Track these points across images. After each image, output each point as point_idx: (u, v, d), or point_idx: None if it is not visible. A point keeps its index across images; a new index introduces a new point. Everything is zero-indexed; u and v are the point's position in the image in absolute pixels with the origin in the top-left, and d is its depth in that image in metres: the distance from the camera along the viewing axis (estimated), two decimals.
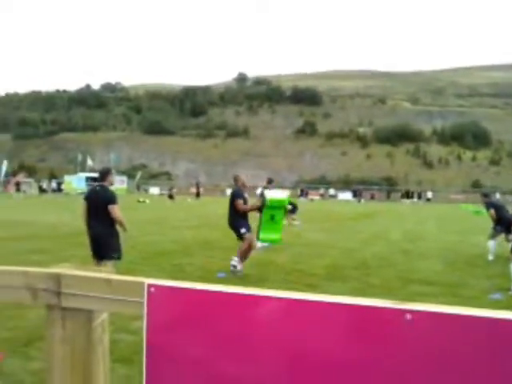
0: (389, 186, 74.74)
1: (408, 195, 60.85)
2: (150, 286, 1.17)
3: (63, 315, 1.33)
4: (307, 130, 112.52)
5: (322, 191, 68.10)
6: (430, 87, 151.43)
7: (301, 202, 50.27)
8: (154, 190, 66.18)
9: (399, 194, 63.94)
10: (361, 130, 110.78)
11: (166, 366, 1.20)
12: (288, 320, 1.10)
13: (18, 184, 46.69)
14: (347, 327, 1.04)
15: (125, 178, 64.65)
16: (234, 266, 8.60)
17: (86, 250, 10.52)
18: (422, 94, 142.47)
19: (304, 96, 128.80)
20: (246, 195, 9.12)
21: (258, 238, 9.49)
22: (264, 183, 13.77)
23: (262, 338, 1.14)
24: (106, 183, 6.77)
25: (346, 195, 65.07)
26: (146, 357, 1.21)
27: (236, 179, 9.37)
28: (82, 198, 7.04)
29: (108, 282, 1.24)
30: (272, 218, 9.26)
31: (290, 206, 15.74)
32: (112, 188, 7.01)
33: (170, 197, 38.81)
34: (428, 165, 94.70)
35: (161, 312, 1.18)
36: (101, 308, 1.31)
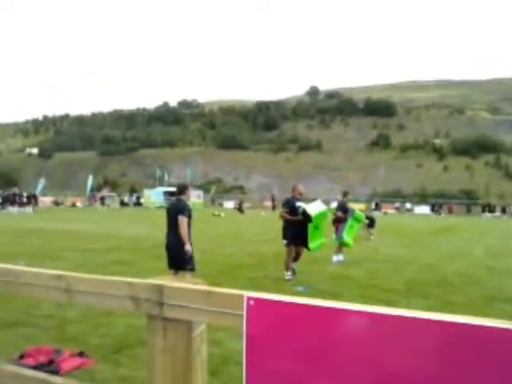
0: (468, 200, 71.29)
1: (490, 209, 57.63)
2: (249, 298, 1.21)
3: (165, 325, 1.39)
4: (381, 143, 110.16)
5: (397, 205, 66.15)
6: (511, 95, 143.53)
7: (375, 215, 49.21)
8: (229, 204, 67.29)
9: (479, 208, 60.78)
10: (437, 141, 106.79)
11: (265, 379, 1.22)
12: (380, 335, 1.10)
13: (102, 198, 49.24)
14: (438, 344, 1.02)
15: (200, 193, 66.29)
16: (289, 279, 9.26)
17: (162, 261, 10.92)
18: (503, 102, 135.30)
19: (377, 108, 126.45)
20: (299, 204, 9.70)
21: (308, 249, 9.95)
22: (339, 196, 13.82)
23: (353, 352, 1.14)
24: (183, 197, 7.13)
25: (423, 209, 62.72)
26: (246, 369, 1.23)
27: (293, 189, 10.06)
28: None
29: (208, 294, 1.28)
30: (316, 227, 9.94)
31: (367, 220, 15.73)
32: (188, 202, 7.29)
33: (240, 210, 39.29)
34: (510, 177, 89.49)
35: (260, 325, 1.20)
36: (200, 319, 1.36)
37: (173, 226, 6.88)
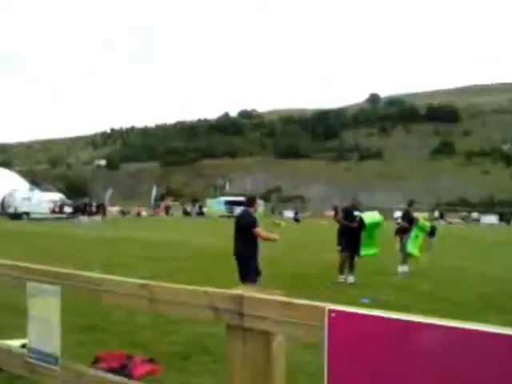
0: None
1: None
2: (331, 311, 1.22)
3: (244, 335, 1.43)
4: (445, 150, 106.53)
5: (463, 214, 63.64)
6: None
7: (437, 225, 47.51)
8: (289, 213, 67.21)
9: None
10: (505, 147, 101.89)
11: None
12: (466, 351, 1.08)
13: (167, 207, 50.61)
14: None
15: (261, 202, 66.69)
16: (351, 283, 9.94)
17: (227, 271, 11.08)
18: None
19: (440, 114, 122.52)
20: (357, 213, 10.59)
21: (359, 255, 10.50)
22: (403, 205, 13.57)
23: (437, 368, 1.12)
24: (251, 209, 7.27)
25: (490, 218, 59.91)
26: (328, 382, 1.24)
27: (352, 198, 11.20)
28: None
29: (288, 305, 1.31)
30: (370, 236, 10.41)
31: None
32: (255, 213, 7.43)
33: (296, 220, 39.21)
34: None
35: (341, 337, 1.21)
36: (280, 330, 1.38)
37: (241, 236, 7.01)
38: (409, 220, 12.30)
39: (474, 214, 63.84)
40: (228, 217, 54.09)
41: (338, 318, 1.21)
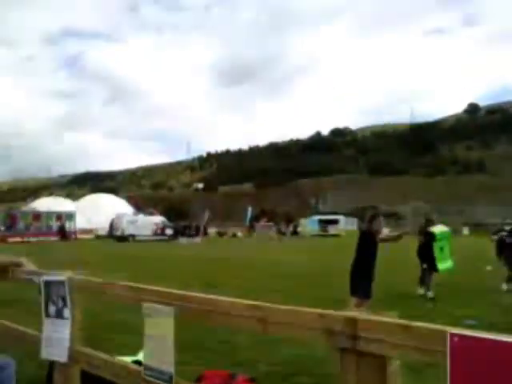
0: None
1: None
2: (452, 335, 1.17)
3: (358, 359, 1.41)
4: None
5: None
6: None
7: None
8: (385, 231, 65.19)
9: None
10: None
11: None
12: None
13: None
14: None
15: (355, 220, 65.43)
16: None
17: (320, 291, 10.95)
18: None
19: None
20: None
21: (436, 271, 10.63)
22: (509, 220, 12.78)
23: None
24: (373, 225, 7.40)
25: None
26: None
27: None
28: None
29: (406, 328, 1.27)
30: (441, 249, 10.57)
31: None
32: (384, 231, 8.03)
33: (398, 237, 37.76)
34: None
35: (465, 363, 1.16)
36: (397, 355, 1.34)
37: (359, 253, 7.22)
38: None
39: None
40: (321, 236, 53.72)
41: (461, 343, 1.16)
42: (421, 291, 10.79)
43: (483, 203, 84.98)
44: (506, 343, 1.14)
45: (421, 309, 8.99)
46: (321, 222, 61.18)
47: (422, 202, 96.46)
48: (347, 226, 59.61)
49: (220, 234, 55.89)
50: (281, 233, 58.40)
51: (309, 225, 60.29)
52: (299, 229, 60.48)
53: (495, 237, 16.57)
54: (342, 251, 27.75)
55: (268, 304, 1.68)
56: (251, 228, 61.14)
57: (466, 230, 57.69)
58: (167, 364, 2.15)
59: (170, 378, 2.14)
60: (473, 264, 15.65)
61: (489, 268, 14.80)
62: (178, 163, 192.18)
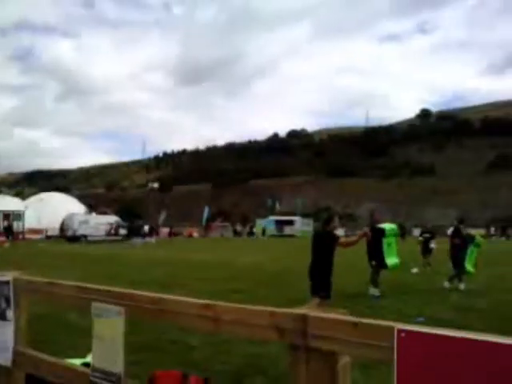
0: None
1: None
2: (399, 331, 1.19)
3: (308, 356, 1.41)
4: (501, 164, 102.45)
5: None
6: None
7: (494, 242, 45.61)
8: (339, 232, 66.35)
9: None
10: None
11: None
12: None
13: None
14: None
15: (311, 221, 66.23)
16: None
17: (278, 290, 11.03)
18: None
19: (496, 127, 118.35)
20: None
21: (385, 267, 10.92)
22: (455, 222, 13.30)
23: None
24: (329, 227, 7.42)
25: None
26: None
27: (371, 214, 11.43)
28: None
29: (355, 325, 1.28)
30: (389, 245, 10.86)
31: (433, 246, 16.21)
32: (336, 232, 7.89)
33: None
34: None
35: (411, 358, 1.18)
36: (346, 351, 1.35)
37: (319, 253, 7.22)
38: (460, 237, 12.04)
39: None
40: (278, 236, 54.15)
41: (408, 338, 1.18)
42: (373, 291, 10.97)
43: (433, 205, 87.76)
44: (450, 338, 1.17)
45: (370, 307, 9.17)
46: (277, 222, 61.61)
47: (377, 204, 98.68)
48: (303, 226, 60.25)
49: (176, 234, 55.35)
50: (237, 233, 58.41)
51: (265, 225, 60.59)
52: (255, 229, 60.68)
53: (421, 238, 17.27)
54: (298, 251, 28.02)
55: (219, 303, 1.66)
56: (207, 228, 60.87)
57: (416, 232, 59.37)
58: (116, 365, 2.10)
59: (119, 379, 2.09)
60: (421, 264, 16.14)
61: (415, 271, 15.32)
62: (133, 162, 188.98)
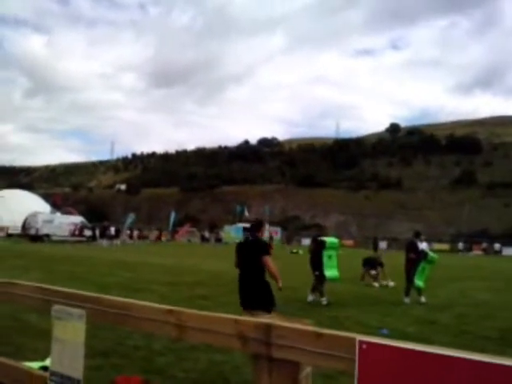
0: None
1: None
2: (361, 342, 1.21)
3: (271, 365, 1.41)
4: (465, 180, 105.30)
5: (484, 246, 62.61)
6: None
7: (460, 257, 46.76)
8: (306, 241, 66.83)
9: None
10: None
11: None
12: None
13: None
14: None
15: (278, 229, 66.52)
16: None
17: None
18: None
19: (461, 144, 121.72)
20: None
21: (324, 278, 11.20)
22: (412, 236, 13.52)
23: None
24: (258, 234, 6.84)
25: None
26: None
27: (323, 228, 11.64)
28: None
29: (318, 335, 1.29)
30: (329, 257, 11.27)
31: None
32: (265, 239, 7.27)
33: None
34: None
35: (372, 369, 1.20)
36: (309, 361, 1.36)
37: (251, 264, 6.47)
38: (415, 251, 12.25)
39: (496, 246, 62.72)
40: None
41: (369, 350, 1.20)
42: (310, 298, 11.25)
43: (399, 219, 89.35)
44: (411, 351, 1.19)
45: (334, 317, 9.25)
46: (245, 229, 61.59)
47: (344, 215, 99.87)
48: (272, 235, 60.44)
49: (142, 238, 54.66)
50: (204, 239, 58.09)
51: (233, 232, 60.50)
52: (222, 235, 60.54)
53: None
54: None
55: (183, 309, 1.65)
56: (174, 233, 60.38)
57: (383, 244, 60.28)
58: (75, 370, 2.06)
59: None
60: (384, 277, 16.33)
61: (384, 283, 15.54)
62: (101, 163, 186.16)
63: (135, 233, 53.24)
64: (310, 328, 1.34)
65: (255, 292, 6.38)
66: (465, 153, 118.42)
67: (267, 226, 62.49)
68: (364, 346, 1.21)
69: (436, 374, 1.15)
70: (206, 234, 60.93)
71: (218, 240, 58.42)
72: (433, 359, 1.16)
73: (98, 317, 1.94)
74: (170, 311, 1.69)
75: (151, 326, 1.77)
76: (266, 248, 6.56)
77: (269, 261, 6.38)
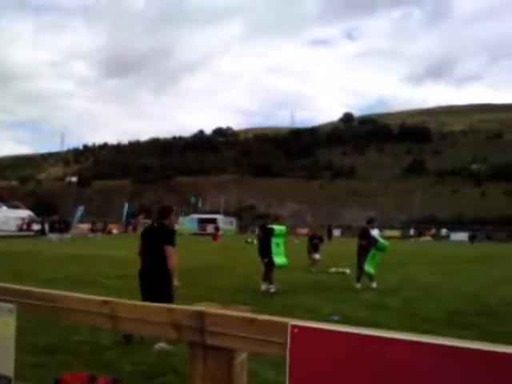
0: (508, 226, 68.88)
1: None
2: (293, 326, 1.19)
3: (205, 353, 1.38)
4: (416, 169, 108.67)
5: (433, 231, 64.95)
6: None
7: (410, 243, 48.27)
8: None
9: None
10: (474, 166, 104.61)
11: None
12: (428, 366, 1.06)
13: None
14: (486, 375, 0.98)
15: (234, 219, 66.62)
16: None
17: (192, 287, 10.98)
18: None
19: (412, 134, 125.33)
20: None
21: (273, 266, 11.23)
22: (364, 223, 13.75)
23: (396, 382, 1.11)
24: (166, 221, 6.31)
25: (460, 236, 61.18)
26: None
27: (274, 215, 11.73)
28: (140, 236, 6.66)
29: (251, 321, 1.27)
30: (277, 245, 11.35)
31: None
32: (176, 227, 6.84)
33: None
34: None
35: (304, 353, 1.18)
36: (243, 347, 1.34)
37: (153, 253, 6.05)
38: (367, 238, 12.49)
39: (444, 231, 65.10)
40: (200, 234, 53.96)
41: (301, 334, 1.18)
42: (263, 287, 11.21)
43: (353, 207, 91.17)
44: (344, 334, 1.18)
45: (286, 305, 9.33)
46: (200, 220, 61.36)
47: (299, 204, 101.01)
48: (226, 225, 60.46)
49: (94, 231, 53.48)
50: None
51: (188, 223, 60.15)
52: (177, 227, 60.06)
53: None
54: (219, 249, 28.02)
55: (116, 299, 1.59)
56: (128, 225, 59.42)
57: (337, 232, 61.45)
58: (6, 367, 1.96)
59: (9, 382, 1.95)
60: (338, 264, 16.64)
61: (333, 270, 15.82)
62: (50, 155, 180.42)
63: (86, 225, 51.98)
64: (243, 314, 1.32)
65: (154, 284, 5.95)
66: (415, 141, 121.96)
67: (221, 216, 62.63)
68: (296, 331, 1.19)
69: (370, 356, 1.14)
70: None
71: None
72: (367, 341, 1.15)
73: (28, 311, 1.85)
74: (105, 302, 1.62)
75: (84, 317, 1.70)
76: (170, 237, 6.11)
77: (170, 252, 5.94)
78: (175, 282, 6.06)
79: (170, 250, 5.94)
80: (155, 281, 5.98)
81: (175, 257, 6.03)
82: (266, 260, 11.28)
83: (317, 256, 16.46)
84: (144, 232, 6.51)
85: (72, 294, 1.78)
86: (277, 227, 11.81)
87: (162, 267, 5.96)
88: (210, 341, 1.35)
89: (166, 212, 6.36)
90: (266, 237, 11.42)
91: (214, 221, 57.65)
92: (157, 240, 6.04)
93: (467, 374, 1.00)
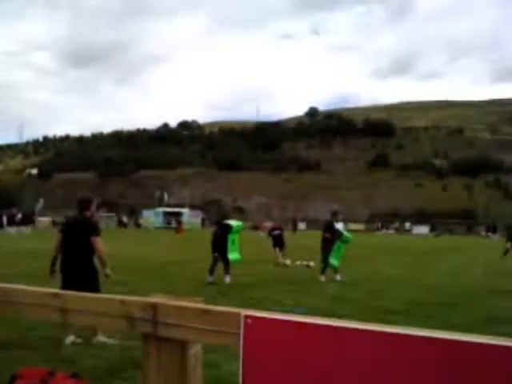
0: (468, 219, 71.09)
1: (495, 229, 55.32)
2: (246, 317, 1.17)
3: (159, 344, 1.36)
4: (380, 163, 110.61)
5: (396, 225, 66.32)
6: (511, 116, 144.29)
7: (374, 236, 49.20)
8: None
9: (480, 228, 60.43)
10: (436, 161, 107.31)
11: None
12: (380, 354, 1.07)
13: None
14: (441, 362, 1.00)
15: (199, 213, 66.29)
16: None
17: (164, 283, 10.91)
18: (502, 123, 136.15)
19: (376, 128, 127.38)
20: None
21: (227, 261, 11.37)
22: (329, 216, 13.82)
23: (355, 372, 1.11)
24: (86, 213, 6.06)
25: (422, 229, 62.73)
26: None
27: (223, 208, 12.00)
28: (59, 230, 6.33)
29: (204, 312, 1.25)
30: (233, 242, 11.51)
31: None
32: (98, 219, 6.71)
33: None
34: (510, 197, 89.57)
35: (257, 344, 1.17)
36: (196, 338, 1.32)
37: (76, 246, 5.83)
38: (331, 231, 12.61)
39: (407, 225, 66.55)
40: (165, 228, 53.53)
41: (254, 324, 1.17)
42: (210, 279, 11.29)
43: (318, 200, 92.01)
44: (296, 323, 1.17)
45: (252, 298, 9.36)
46: (165, 214, 60.80)
47: (265, 198, 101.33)
48: (191, 218, 60.09)
49: (55, 224, 52.28)
50: (122, 224, 56.68)
51: (152, 217, 59.50)
52: (141, 221, 59.40)
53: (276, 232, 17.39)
54: (185, 243, 27.83)
55: (66, 292, 1.54)
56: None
57: (302, 225, 61.94)
58: None
59: None
60: (303, 257, 16.78)
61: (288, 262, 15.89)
62: (8, 146, 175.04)
63: (47, 219, 50.74)
64: (196, 305, 1.30)
65: (79, 278, 5.68)
66: (379, 136, 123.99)
67: (186, 210, 62.20)
68: (249, 321, 1.18)
69: (323, 345, 1.14)
70: (124, 219, 59.48)
71: (138, 225, 57.27)
72: (320, 330, 1.15)
73: None
74: (56, 295, 1.57)
75: (34, 311, 1.65)
76: (95, 228, 5.94)
77: (98, 242, 5.81)
78: (107, 271, 5.97)
79: (97, 241, 5.80)
80: (81, 275, 5.77)
81: (103, 247, 5.91)
82: (216, 254, 11.46)
83: (280, 255, 16.32)
84: (65, 226, 6.20)
85: (21, 286, 1.72)
86: (235, 224, 11.92)
87: (87, 260, 5.85)
88: (163, 332, 1.33)
89: (86, 203, 6.11)
90: (222, 233, 11.50)
91: (179, 214, 57.24)
92: (80, 233, 5.85)
93: (416, 358, 1.01)
